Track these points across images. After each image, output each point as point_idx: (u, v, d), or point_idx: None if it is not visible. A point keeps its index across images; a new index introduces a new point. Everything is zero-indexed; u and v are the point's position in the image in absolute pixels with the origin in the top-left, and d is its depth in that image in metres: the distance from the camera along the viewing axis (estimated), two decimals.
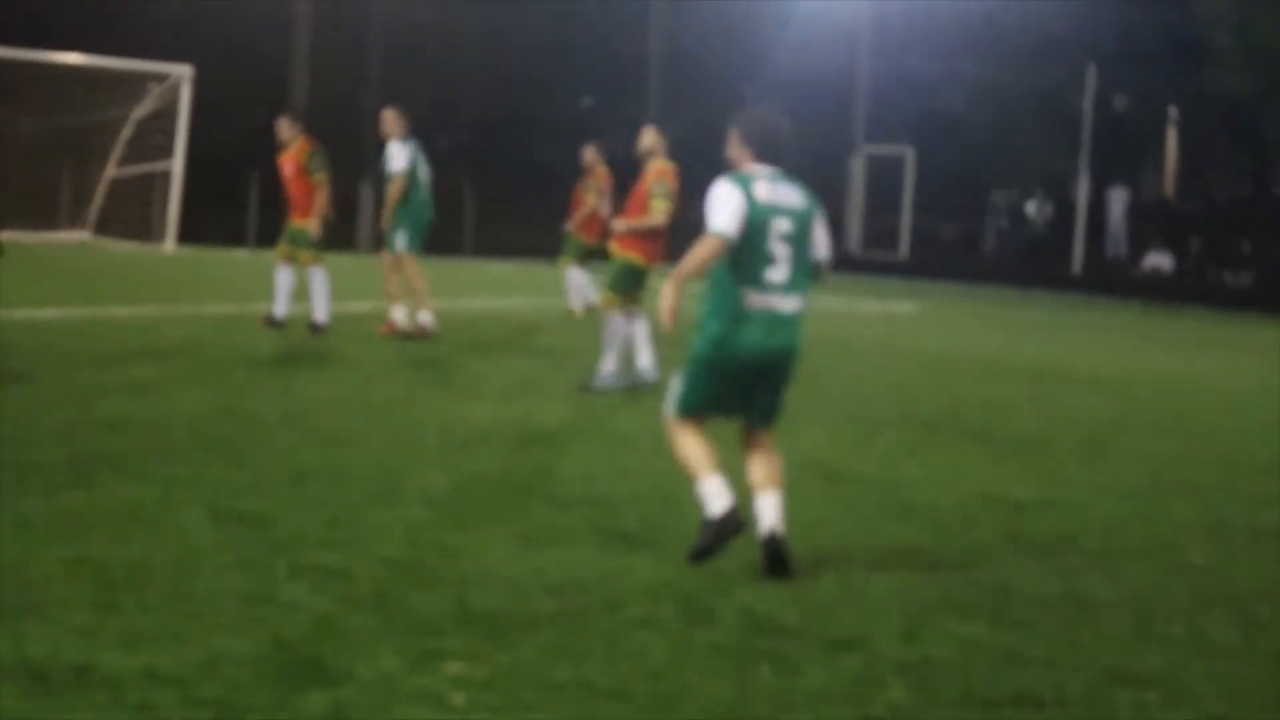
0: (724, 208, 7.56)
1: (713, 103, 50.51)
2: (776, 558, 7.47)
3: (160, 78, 34.52)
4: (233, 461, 9.61)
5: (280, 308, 17.27)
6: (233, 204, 37.75)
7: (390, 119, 18.17)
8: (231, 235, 36.88)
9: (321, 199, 17.33)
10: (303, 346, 16.30)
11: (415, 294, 18.10)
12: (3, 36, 32.47)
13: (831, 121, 50.28)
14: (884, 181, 49.26)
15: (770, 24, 49.97)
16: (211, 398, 12.19)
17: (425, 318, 17.97)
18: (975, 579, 7.82)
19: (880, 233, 49.73)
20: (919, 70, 50.34)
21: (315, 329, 17.15)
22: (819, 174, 49.78)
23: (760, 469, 7.70)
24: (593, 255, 21.74)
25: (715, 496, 7.54)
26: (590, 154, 21.85)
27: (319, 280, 17.33)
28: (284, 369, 14.58)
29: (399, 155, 18.07)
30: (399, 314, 18.10)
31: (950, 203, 50.44)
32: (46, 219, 34.61)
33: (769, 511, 7.53)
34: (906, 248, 48.99)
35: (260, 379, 13.66)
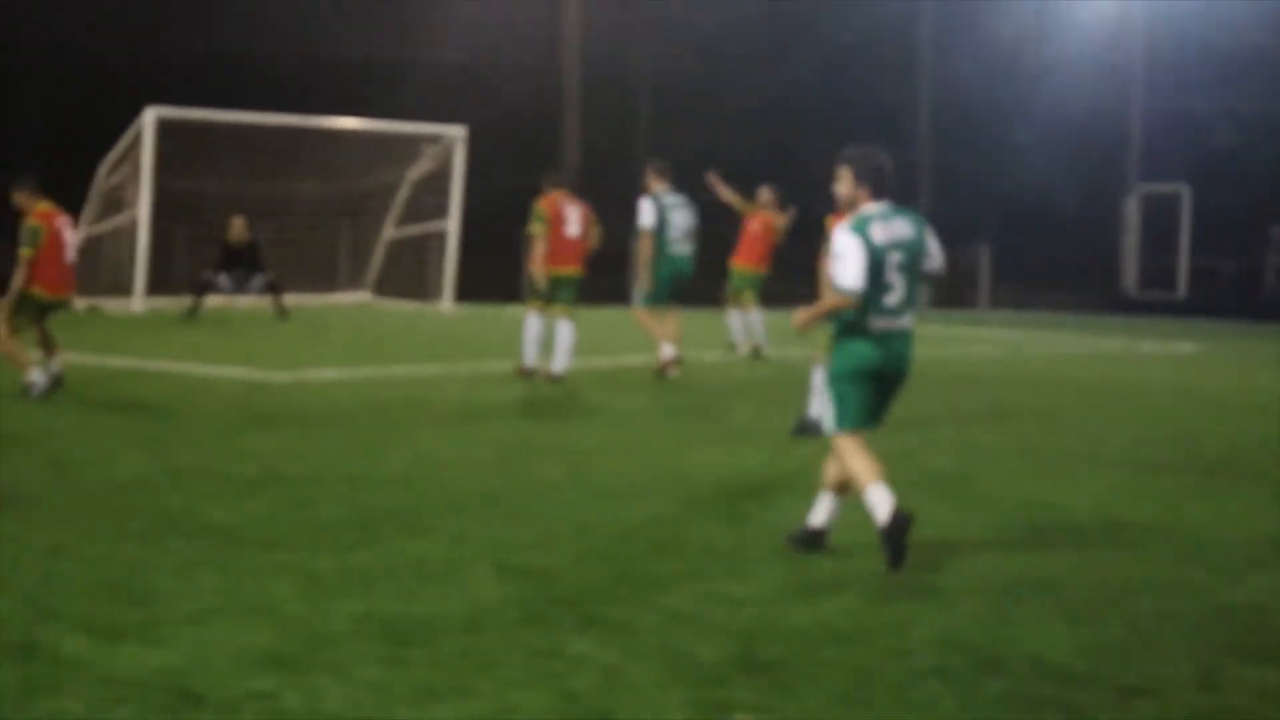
0: (850, 264, 8.39)
1: (981, 146, 50.10)
2: (899, 549, 8.24)
3: (434, 139, 35.22)
4: (516, 517, 9.71)
5: (529, 357, 18.25)
6: (507, 261, 38.27)
7: (648, 173, 19.00)
8: (507, 293, 37.40)
9: (537, 252, 18.24)
10: (577, 401, 16.44)
11: (662, 338, 18.84)
12: (283, 105, 33.43)
13: (1104, 160, 49.48)
14: (1160, 220, 48.27)
15: (1038, 64, 49.33)
16: (491, 454, 12.34)
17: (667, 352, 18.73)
18: (1268, 623, 7.59)
19: (1157, 272, 48.70)
20: (1193, 106, 49.33)
21: (551, 378, 17.84)
22: (1091, 213, 49.16)
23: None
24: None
25: (881, 502, 8.32)
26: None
27: (563, 333, 18.03)
28: (560, 423, 14.71)
29: (645, 212, 18.75)
30: (667, 350, 18.76)
31: (1228, 240, 49.21)
32: (327, 281, 35.46)
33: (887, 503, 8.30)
34: (1184, 287, 47.91)
35: (538, 434, 13.80)
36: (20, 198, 15.58)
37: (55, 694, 5.90)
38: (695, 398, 16.94)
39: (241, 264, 29.20)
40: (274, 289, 28.98)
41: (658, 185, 18.87)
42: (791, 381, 17.40)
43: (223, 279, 29.15)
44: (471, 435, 13.57)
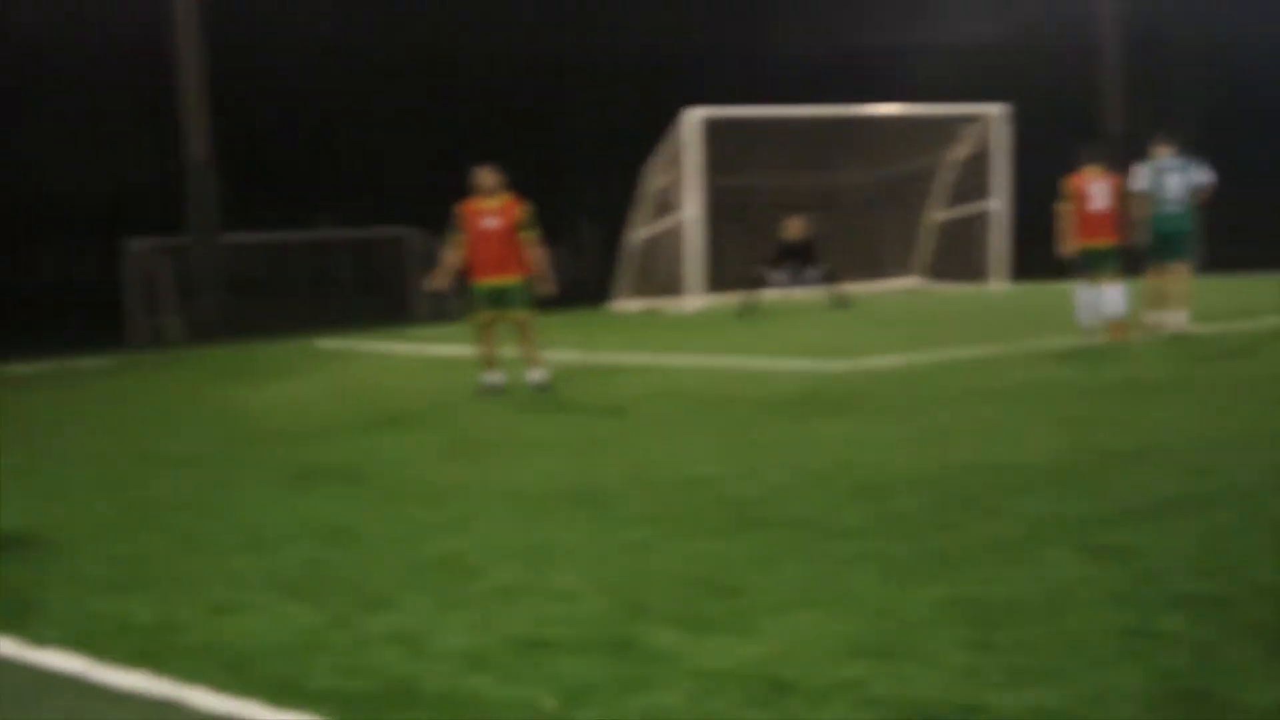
0: None
1: None
2: None
3: (973, 120, 34.96)
4: (1089, 495, 9.54)
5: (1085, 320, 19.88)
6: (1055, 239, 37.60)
7: (1154, 141, 20.36)
8: (1060, 269, 36.80)
9: (1064, 227, 20.17)
10: (1143, 375, 16.04)
11: (1168, 300, 20.13)
12: (821, 96, 33.78)
13: None
14: None
15: None
16: (1061, 433, 12.14)
17: (1171, 319, 20.04)
18: None
19: None
20: None
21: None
22: None
23: None
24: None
25: None
26: None
27: (1108, 295, 19.58)
28: (1128, 397, 14.37)
29: (1139, 177, 20.17)
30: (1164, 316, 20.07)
31: None
32: (874, 267, 35.59)
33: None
34: None
35: (1105, 409, 13.51)
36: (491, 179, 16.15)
37: (651, 688, 6.07)
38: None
39: (797, 259, 29.54)
40: (831, 279, 29.18)
41: (1162, 151, 20.14)
42: None
43: (776, 275, 29.55)
44: (1033, 412, 13.39)
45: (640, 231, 33.63)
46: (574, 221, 49.69)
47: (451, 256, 16.22)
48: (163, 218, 36.61)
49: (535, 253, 16.12)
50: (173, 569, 8.63)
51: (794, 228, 29.55)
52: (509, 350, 16.99)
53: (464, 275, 16.46)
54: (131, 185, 49.17)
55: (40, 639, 7.20)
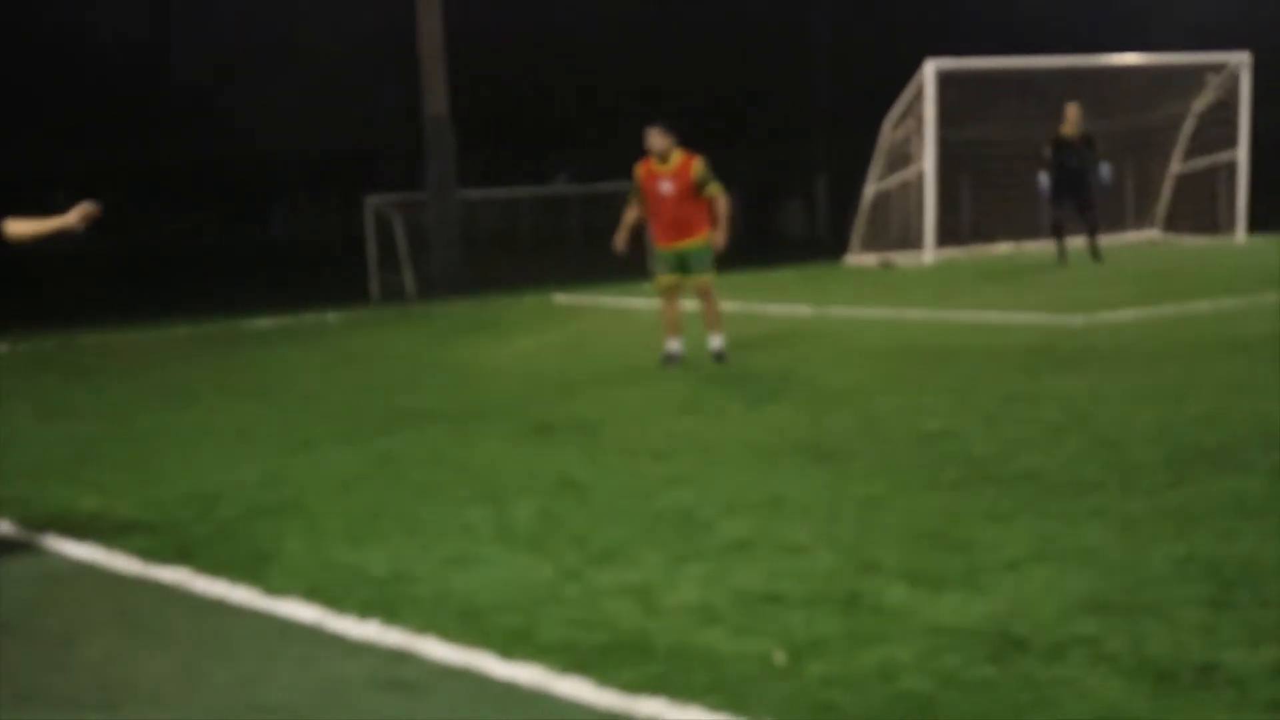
0: None
1: None
2: None
3: (1217, 68, 34.12)
4: None
5: None
6: None
7: None
8: None
9: None
10: None
11: None
12: (1060, 46, 33.25)
13: None
14: None
15: None
16: None
17: None
18: None
19: None
20: None
21: None
22: None
23: None
24: None
25: None
26: None
27: None
28: None
29: None
30: None
31: None
32: (1116, 220, 34.91)
33: None
34: None
35: None
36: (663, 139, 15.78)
37: (883, 642, 6.05)
38: None
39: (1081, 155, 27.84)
40: (1092, 230, 28.38)
41: None
42: None
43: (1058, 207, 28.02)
44: (1275, 366, 13.06)
45: (877, 185, 33.38)
46: (810, 177, 49.49)
47: (630, 216, 15.99)
48: (406, 175, 37.25)
49: (721, 204, 15.72)
50: (407, 521, 8.78)
51: (1072, 119, 28.02)
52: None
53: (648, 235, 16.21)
54: (376, 143, 50.12)
55: (277, 589, 7.37)
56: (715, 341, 15.78)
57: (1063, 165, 27.38)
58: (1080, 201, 27.78)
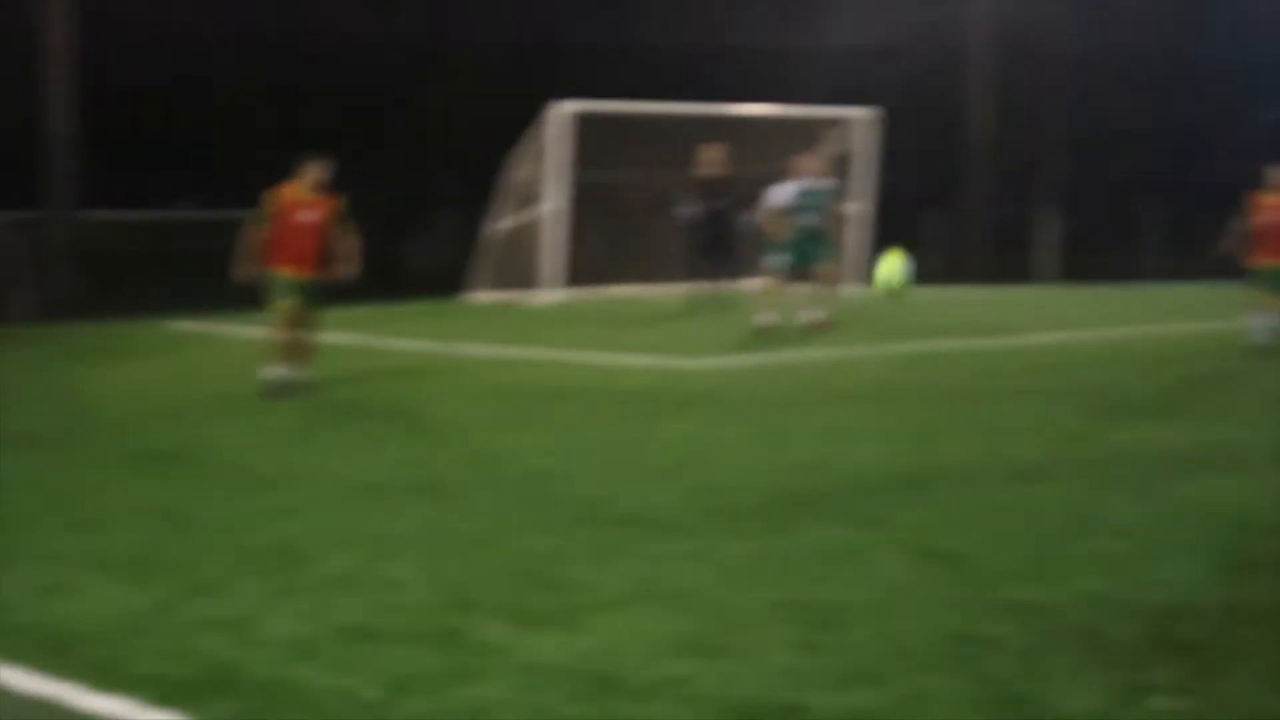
0: None
1: None
2: None
3: (840, 123, 35.16)
4: (926, 500, 9.63)
5: None
6: (913, 245, 38.10)
7: None
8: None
9: None
10: (984, 383, 16.21)
11: None
12: (691, 94, 33.88)
13: None
14: None
15: None
16: (903, 437, 12.24)
17: None
18: None
19: None
20: None
21: None
22: None
23: None
24: None
25: None
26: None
27: None
28: (970, 403, 14.48)
29: None
30: None
31: None
32: (741, 267, 35.61)
33: None
34: None
35: (948, 414, 13.61)
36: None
37: (478, 679, 6.06)
38: (1125, 376, 16.54)
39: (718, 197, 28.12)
40: (724, 276, 28.57)
41: None
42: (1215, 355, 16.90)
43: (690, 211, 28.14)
44: (880, 418, 13.49)
45: (500, 223, 33.52)
46: (433, 211, 49.48)
47: (254, 241, 15.66)
48: (24, 193, 36.05)
49: (352, 241, 15.61)
50: (0, 548, 8.48)
51: (713, 161, 28.18)
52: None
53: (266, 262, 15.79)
54: None
55: None
56: (301, 373, 15.59)
57: (705, 208, 27.81)
58: (717, 246, 28.27)
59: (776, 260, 21.10)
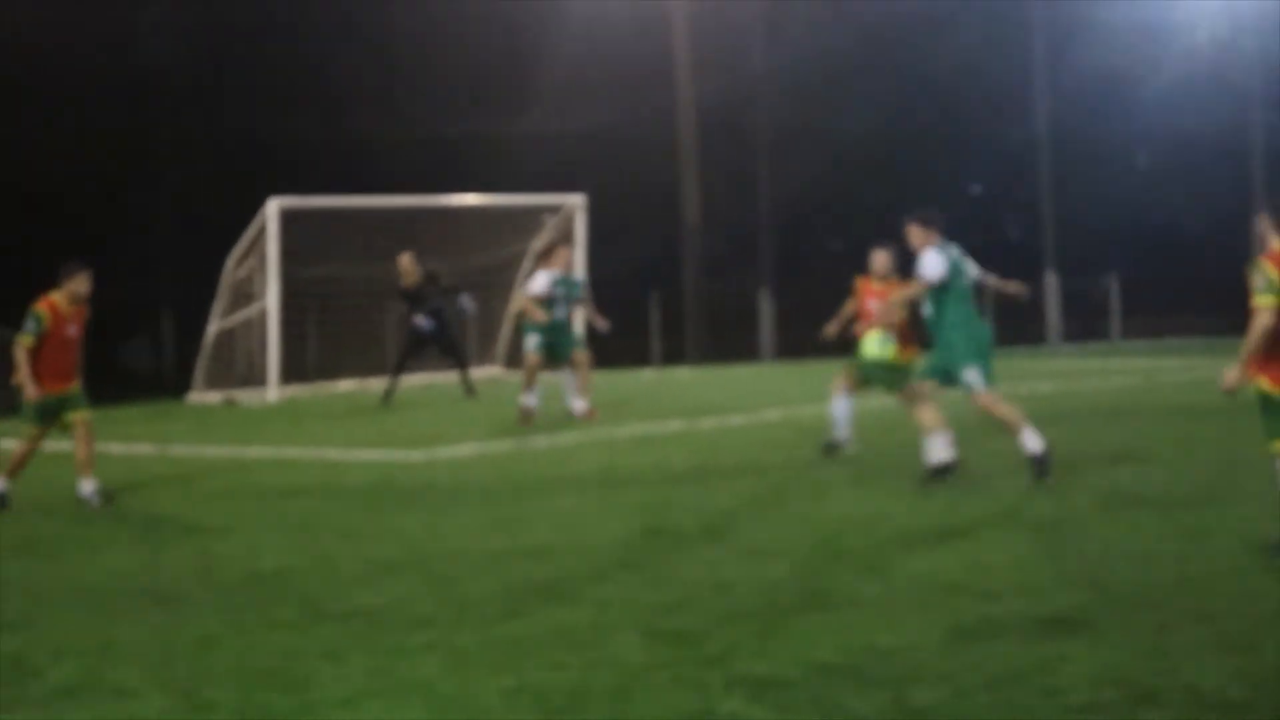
0: None
1: (1102, 177, 49.78)
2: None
3: (554, 209, 35.42)
4: (658, 580, 9.72)
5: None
6: (635, 328, 38.58)
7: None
8: (637, 357, 37.74)
9: None
10: (712, 462, 16.42)
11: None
12: (405, 186, 33.92)
13: (1228, 180, 48.92)
14: None
15: (1153, 90, 48.78)
16: (633, 519, 12.33)
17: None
18: None
19: None
20: None
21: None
22: (1219, 236, 48.56)
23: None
24: None
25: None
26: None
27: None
28: (698, 483, 14.66)
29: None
30: None
31: None
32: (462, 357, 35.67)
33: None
34: None
35: (677, 495, 13.77)
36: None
37: None
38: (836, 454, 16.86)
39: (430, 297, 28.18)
40: (461, 365, 28.55)
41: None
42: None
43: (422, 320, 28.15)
44: (609, 501, 13.57)
45: (220, 322, 33.12)
46: (155, 314, 48.74)
47: (25, 356, 14.99)
48: None
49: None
50: None
51: (405, 270, 28.21)
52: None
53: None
54: None
55: None
56: (90, 482, 15.01)
57: (428, 313, 27.75)
58: (442, 342, 28.33)
59: (534, 341, 21.17)
